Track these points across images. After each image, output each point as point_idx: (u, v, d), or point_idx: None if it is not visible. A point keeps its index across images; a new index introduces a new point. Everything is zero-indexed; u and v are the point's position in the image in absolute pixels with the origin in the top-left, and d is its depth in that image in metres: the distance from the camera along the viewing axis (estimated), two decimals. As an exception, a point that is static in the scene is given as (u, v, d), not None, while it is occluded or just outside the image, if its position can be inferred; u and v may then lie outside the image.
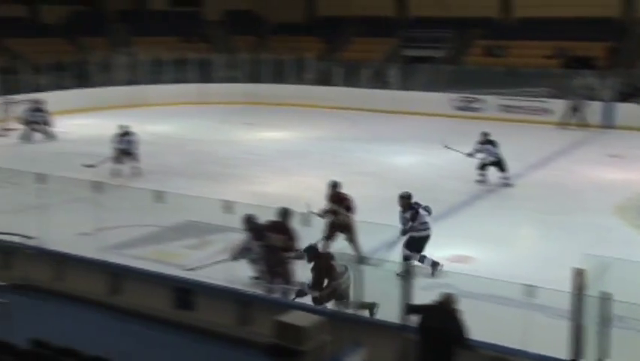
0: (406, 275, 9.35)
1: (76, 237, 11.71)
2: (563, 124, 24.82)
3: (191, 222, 12.94)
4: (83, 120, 25.73)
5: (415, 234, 10.96)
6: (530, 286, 6.70)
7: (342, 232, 11.44)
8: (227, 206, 9.74)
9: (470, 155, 16.70)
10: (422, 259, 10.79)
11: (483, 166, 16.61)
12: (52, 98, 24.83)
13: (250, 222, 10.14)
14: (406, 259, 10.37)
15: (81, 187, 11.72)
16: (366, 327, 7.63)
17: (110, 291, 9.61)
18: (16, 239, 10.60)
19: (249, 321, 8.50)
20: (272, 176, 17.50)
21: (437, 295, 6.91)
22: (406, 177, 17.38)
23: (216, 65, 31.11)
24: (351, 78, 29.47)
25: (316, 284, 8.92)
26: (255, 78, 30.76)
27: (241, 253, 10.15)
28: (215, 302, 8.86)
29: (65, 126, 23.81)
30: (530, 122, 25.49)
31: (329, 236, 11.34)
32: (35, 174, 11.00)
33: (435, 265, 10.76)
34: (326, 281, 8.91)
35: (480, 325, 6.91)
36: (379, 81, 29.59)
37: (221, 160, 19.41)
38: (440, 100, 27.53)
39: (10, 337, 7.04)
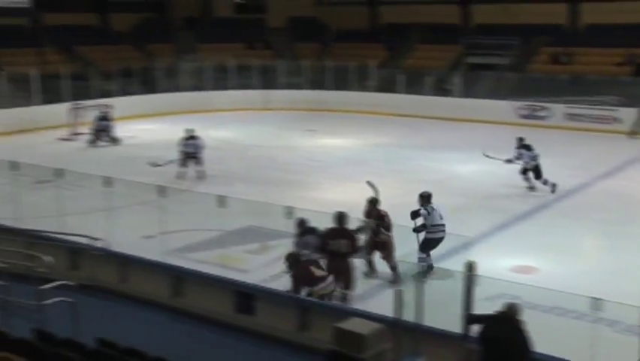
0: (421, 277, 10.14)
1: (141, 240, 11.96)
2: (632, 133, 24.15)
3: (252, 227, 13.05)
4: (149, 125, 26.26)
5: (428, 236, 11.13)
6: (597, 299, 6.52)
7: (380, 250, 11.25)
8: (289, 211, 9.80)
9: (509, 161, 16.64)
10: (423, 259, 10.96)
11: (524, 171, 16.48)
12: (119, 104, 25.47)
13: (303, 226, 10.21)
14: (421, 261, 10.78)
15: (146, 191, 11.96)
16: (426, 336, 7.55)
17: (172, 293, 9.76)
18: (83, 240, 10.87)
19: (308, 327, 8.52)
20: (332, 183, 17.51)
21: (500, 305, 6.78)
22: (467, 185, 17.18)
23: (280, 72, 31.35)
24: (413, 85, 29.29)
25: (294, 291, 9.23)
26: (317, 85, 30.86)
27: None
28: (275, 308, 8.90)
29: (131, 131, 24.36)
30: (597, 130, 24.87)
31: (368, 253, 11.16)
32: (102, 177, 11.26)
33: (430, 268, 10.84)
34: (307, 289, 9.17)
35: (544, 337, 6.76)
36: (441, 89, 29.35)
37: (282, 166, 19.52)
38: (504, 108, 27.12)
39: (77, 336, 7.22)
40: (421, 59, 32.50)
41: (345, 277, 9.82)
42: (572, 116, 26.09)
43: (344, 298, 9.65)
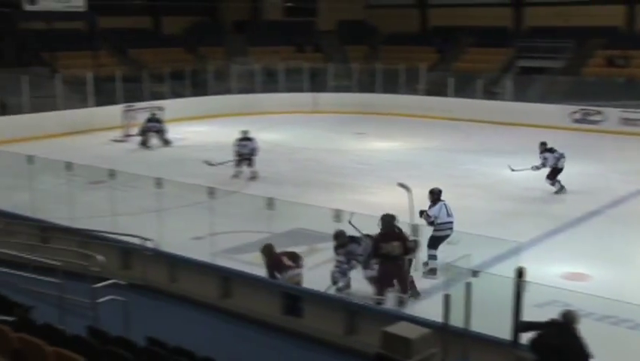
0: (431, 274, 10.88)
1: (191, 240, 12.13)
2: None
3: (300, 229, 13.11)
4: (199, 127, 26.59)
5: (435, 233, 11.37)
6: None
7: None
8: (337, 214, 9.83)
9: (537, 168, 16.65)
10: (433, 256, 11.24)
11: (552, 174, 16.52)
12: (170, 106, 25.87)
13: (343, 237, 10.22)
14: (431, 258, 11.24)
15: (196, 192, 12.12)
16: (474, 342, 7.49)
17: (221, 295, 9.86)
18: (135, 240, 11.07)
19: (356, 331, 8.52)
20: (380, 186, 17.47)
21: (552, 312, 6.68)
22: (517, 190, 16.97)
23: (329, 75, 31.44)
24: (464, 89, 29.07)
25: (269, 277, 9.94)
26: (367, 88, 30.86)
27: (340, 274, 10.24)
28: (323, 310, 8.93)
29: (182, 133, 24.70)
30: (654, 136, 24.34)
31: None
32: (154, 178, 11.45)
33: (433, 270, 11.07)
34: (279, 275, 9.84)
35: (596, 347, 6.64)
36: (490, 92, 29.04)
37: (331, 169, 19.55)
38: (557, 112, 26.70)
39: (128, 334, 7.36)
40: (472, 62, 32.22)
41: (399, 281, 9.79)
42: (627, 121, 25.54)
43: (401, 302, 9.59)
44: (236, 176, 17.76)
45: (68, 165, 12.52)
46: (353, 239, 10.33)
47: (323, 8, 37.42)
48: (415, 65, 30.06)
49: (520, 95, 28.13)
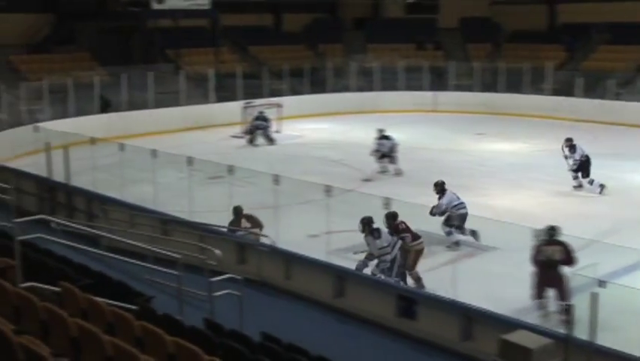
0: (454, 247, 12.55)
1: (306, 238, 12.28)
2: None
3: (416, 230, 13.00)
4: (317, 125, 26.86)
5: (453, 212, 12.88)
6: None
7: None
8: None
9: (574, 164, 17.01)
10: (473, 233, 12.61)
11: (578, 168, 16.95)
12: (288, 103, 26.29)
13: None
14: (449, 234, 12.84)
15: (312, 190, 12.27)
16: (600, 356, 7.20)
17: (334, 293, 9.94)
18: (251, 236, 11.34)
19: (472, 336, 8.38)
20: (500, 189, 17.10)
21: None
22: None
23: (450, 73, 31.02)
24: (594, 89, 27.95)
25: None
26: (489, 87, 30.25)
27: None
28: (438, 314, 8.84)
29: (299, 130, 25.04)
30: None
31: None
32: (271, 175, 11.67)
33: (474, 233, 12.57)
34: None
35: None
36: (616, 93, 27.75)
37: (449, 170, 19.27)
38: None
39: (242, 328, 7.55)
40: (603, 60, 30.92)
41: (559, 288, 9.53)
42: None
43: (564, 311, 9.25)
44: (382, 171, 18.61)
45: (189, 160, 12.95)
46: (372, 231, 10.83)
47: (445, 5, 36.94)
48: (541, 64, 29.18)
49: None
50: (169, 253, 9.42)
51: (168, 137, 23.64)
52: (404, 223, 11.06)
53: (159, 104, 25.66)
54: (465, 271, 10.55)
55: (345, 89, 30.44)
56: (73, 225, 11.58)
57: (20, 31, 27.52)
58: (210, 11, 29.36)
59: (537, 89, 29.39)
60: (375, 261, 10.73)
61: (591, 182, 16.64)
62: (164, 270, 9.30)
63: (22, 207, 15.02)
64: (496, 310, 8.63)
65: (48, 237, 9.61)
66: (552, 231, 9.79)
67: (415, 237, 11.11)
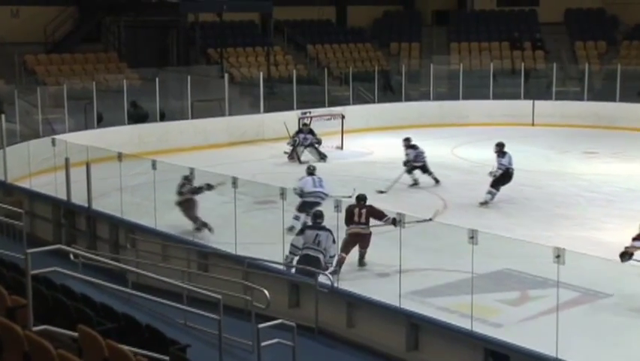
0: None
1: (374, 277, 12.26)
2: None
3: (510, 270, 12.87)
4: (388, 139, 26.48)
5: (504, 173, 17.33)
6: None
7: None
8: (558, 254, 9.54)
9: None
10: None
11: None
12: (354, 113, 26.57)
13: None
14: (491, 194, 17.36)
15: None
16: None
17: (408, 346, 9.88)
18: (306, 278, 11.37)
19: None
20: (616, 220, 16.75)
21: None
22: None
23: (553, 78, 30.65)
24: None
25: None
26: (603, 95, 29.83)
27: None
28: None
29: (367, 146, 25.11)
30: None
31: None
32: (333, 199, 11.71)
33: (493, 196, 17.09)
34: None
35: None
36: None
37: (551, 197, 19.07)
38: None
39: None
40: None
41: None
42: None
43: None
44: (414, 184, 19.48)
45: (234, 181, 13.09)
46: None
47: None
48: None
49: None
50: (208, 293, 9.50)
51: (209, 152, 23.97)
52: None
53: (199, 113, 26.00)
54: (571, 322, 10.37)
55: (424, 97, 30.41)
56: (96, 257, 11.80)
57: (37, 27, 28.19)
58: (262, 3, 29.50)
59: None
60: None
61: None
62: (202, 313, 9.39)
63: (36, 235, 15.45)
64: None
65: (66, 271, 9.79)
66: None
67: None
